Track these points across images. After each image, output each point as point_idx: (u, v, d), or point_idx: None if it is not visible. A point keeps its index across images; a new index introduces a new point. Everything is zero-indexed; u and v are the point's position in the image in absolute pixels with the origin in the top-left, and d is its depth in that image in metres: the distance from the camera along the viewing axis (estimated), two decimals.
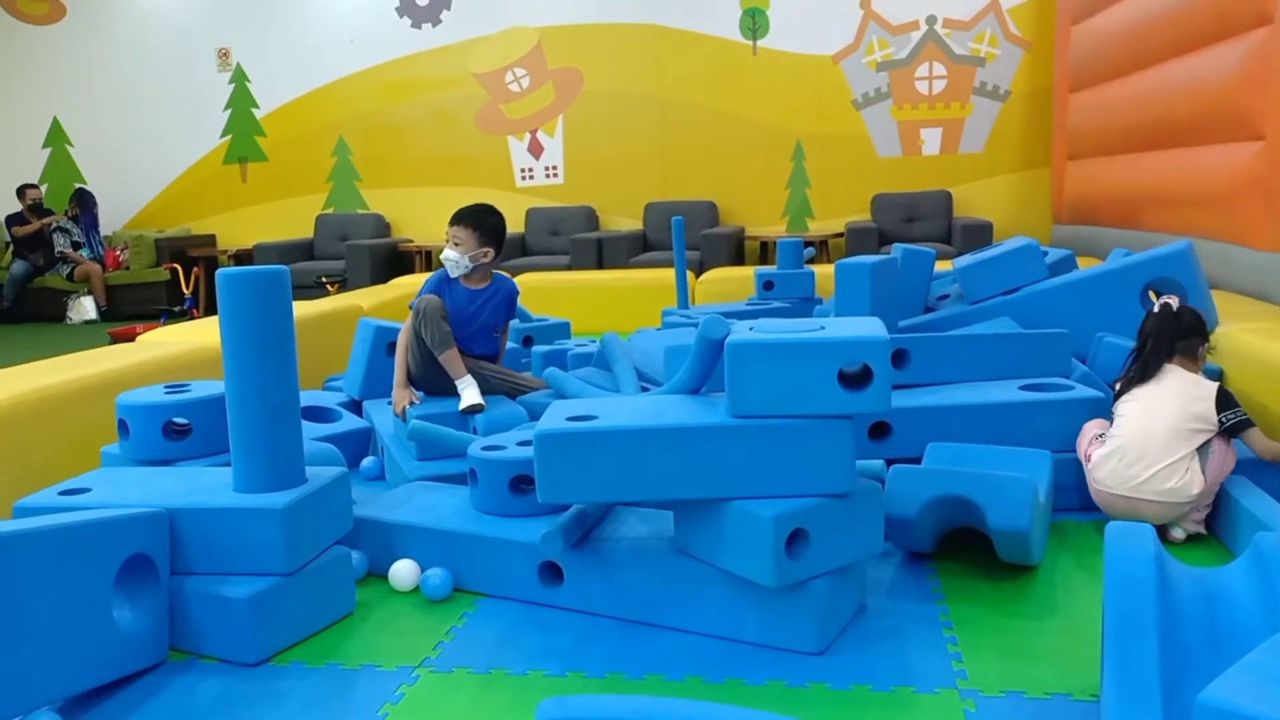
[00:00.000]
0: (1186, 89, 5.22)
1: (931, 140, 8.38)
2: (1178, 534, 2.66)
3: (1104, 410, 2.94)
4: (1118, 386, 2.84)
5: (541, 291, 6.91)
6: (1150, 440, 2.62)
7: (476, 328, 3.68)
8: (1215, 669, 1.33)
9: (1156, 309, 2.85)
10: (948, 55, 8.27)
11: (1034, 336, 3.35)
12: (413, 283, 6.66)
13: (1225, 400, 2.64)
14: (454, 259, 3.67)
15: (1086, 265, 4.44)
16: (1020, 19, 8.13)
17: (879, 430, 3.04)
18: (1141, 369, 2.77)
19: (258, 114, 9.51)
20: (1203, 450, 2.62)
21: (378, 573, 2.63)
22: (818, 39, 8.44)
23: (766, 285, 5.12)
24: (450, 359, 3.44)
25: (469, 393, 3.38)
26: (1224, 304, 3.89)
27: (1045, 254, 4.21)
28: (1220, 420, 2.61)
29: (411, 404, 3.41)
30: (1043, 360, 3.32)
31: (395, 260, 8.77)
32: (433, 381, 3.50)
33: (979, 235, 7.28)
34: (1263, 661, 1.30)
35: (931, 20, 8.27)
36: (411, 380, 3.53)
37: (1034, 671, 2.04)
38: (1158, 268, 3.64)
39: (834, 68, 8.47)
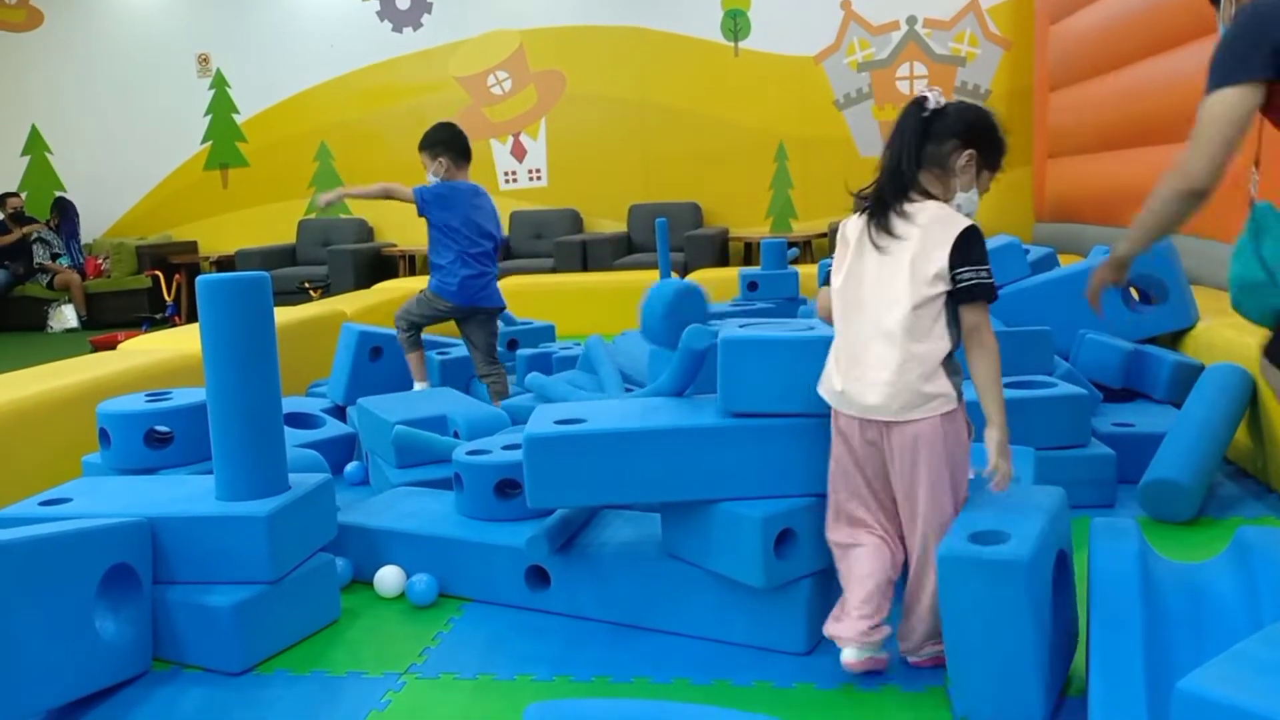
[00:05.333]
0: (1165, 87, 5.26)
1: None
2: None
3: (1088, 407, 2.95)
4: None
5: (526, 294, 6.90)
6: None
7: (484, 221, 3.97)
8: (1199, 663, 1.34)
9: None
10: (928, 55, 8.31)
11: (1017, 334, 3.37)
12: (396, 288, 6.64)
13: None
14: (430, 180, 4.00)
15: (1068, 263, 4.47)
16: (1000, 19, 8.17)
17: None
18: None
19: (238, 120, 9.46)
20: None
21: (363, 579, 2.61)
22: (799, 40, 8.46)
23: (751, 286, 5.13)
24: (415, 360, 3.98)
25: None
26: (1204, 300, 3.92)
27: (1027, 252, 4.24)
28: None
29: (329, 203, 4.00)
30: (1026, 358, 3.33)
31: (378, 265, 8.75)
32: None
33: None
34: (1243, 652, 1.31)
35: (912, 20, 8.30)
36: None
37: None
38: (1138, 265, 3.65)
39: (816, 68, 8.49)
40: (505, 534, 2.47)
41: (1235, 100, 2.14)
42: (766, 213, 8.75)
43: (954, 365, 1.93)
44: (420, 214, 3.93)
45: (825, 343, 2.06)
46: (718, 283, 6.59)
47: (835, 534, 2.06)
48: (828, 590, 2.21)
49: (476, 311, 3.96)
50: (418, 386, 3.99)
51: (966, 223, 1.92)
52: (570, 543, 2.40)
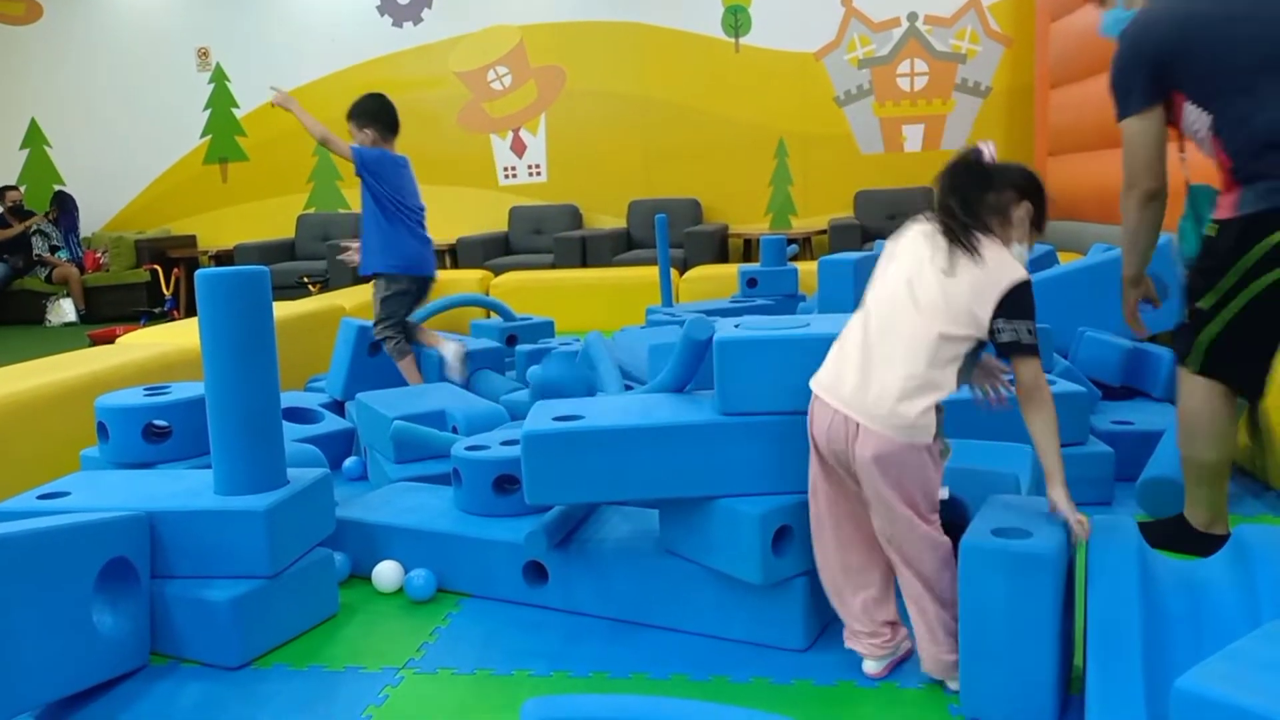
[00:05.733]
0: None
1: (914, 137, 8.40)
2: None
3: (1086, 405, 2.95)
4: None
5: (525, 290, 6.90)
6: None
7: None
8: (1197, 662, 1.34)
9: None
10: (929, 52, 8.30)
11: None
12: None
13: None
14: None
15: (1067, 260, 4.46)
16: (1000, 16, 8.16)
17: None
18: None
19: (238, 114, 9.45)
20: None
21: (361, 574, 2.62)
22: (800, 36, 8.45)
23: (750, 283, 5.13)
24: (409, 365, 3.99)
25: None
26: None
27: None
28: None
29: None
30: None
31: None
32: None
33: None
34: (1241, 650, 1.31)
35: (913, 17, 8.29)
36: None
37: None
38: None
39: (816, 65, 8.48)
40: (503, 529, 2.47)
41: (1141, 127, 2.44)
42: (766, 209, 8.74)
43: (942, 411, 1.88)
44: (357, 173, 4.02)
45: (821, 341, 2.06)
46: (717, 279, 6.60)
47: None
48: None
49: (428, 281, 4.11)
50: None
51: (1023, 274, 1.88)
52: (568, 538, 2.40)
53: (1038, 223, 2.01)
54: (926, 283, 1.89)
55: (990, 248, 1.89)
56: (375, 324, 4.00)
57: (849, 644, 2.04)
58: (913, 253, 1.95)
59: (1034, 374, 1.87)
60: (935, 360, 1.84)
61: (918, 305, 1.88)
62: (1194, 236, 2.61)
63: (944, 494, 1.94)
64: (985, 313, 1.84)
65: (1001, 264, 1.88)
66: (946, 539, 1.89)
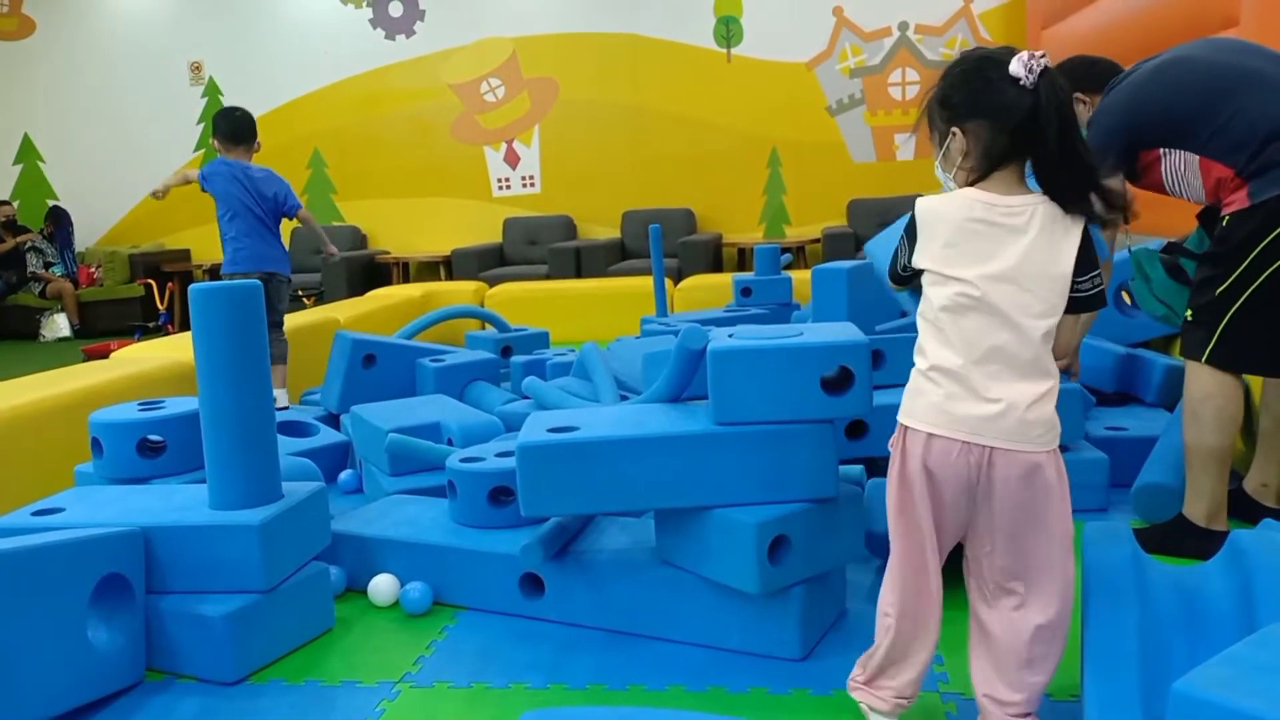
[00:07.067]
0: None
1: (906, 145, 8.43)
2: None
3: (1080, 408, 2.96)
4: None
5: (520, 301, 6.90)
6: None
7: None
8: (1193, 666, 1.34)
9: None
10: (920, 61, 8.33)
11: None
12: (390, 295, 6.64)
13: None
14: None
15: None
16: (991, 24, 8.20)
17: (856, 429, 3.04)
18: None
19: None
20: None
21: (357, 588, 2.61)
22: (791, 46, 8.48)
23: (745, 292, 5.13)
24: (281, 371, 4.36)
25: None
26: None
27: None
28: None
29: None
30: None
31: (372, 272, 8.73)
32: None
33: None
34: (1237, 654, 1.31)
35: (904, 26, 8.33)
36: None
37: None
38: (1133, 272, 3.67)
39: (808, 74, 8.51)
40: (499, 541, 2.47)
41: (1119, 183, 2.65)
42: (760, 218, 8.76)
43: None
44: (203, 190, 4.45)
45: (814, 349, 2.06)
46: (711, 289, 6.60)
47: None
48: (822, 596, 2.21)
49: (271, 277, 4.34)
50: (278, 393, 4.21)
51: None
52: (564, 549, 2.40)
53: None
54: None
55: None
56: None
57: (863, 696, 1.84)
58: None
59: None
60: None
61: None
62: (1148, 297, 2.93)
63: None
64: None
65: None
66: None
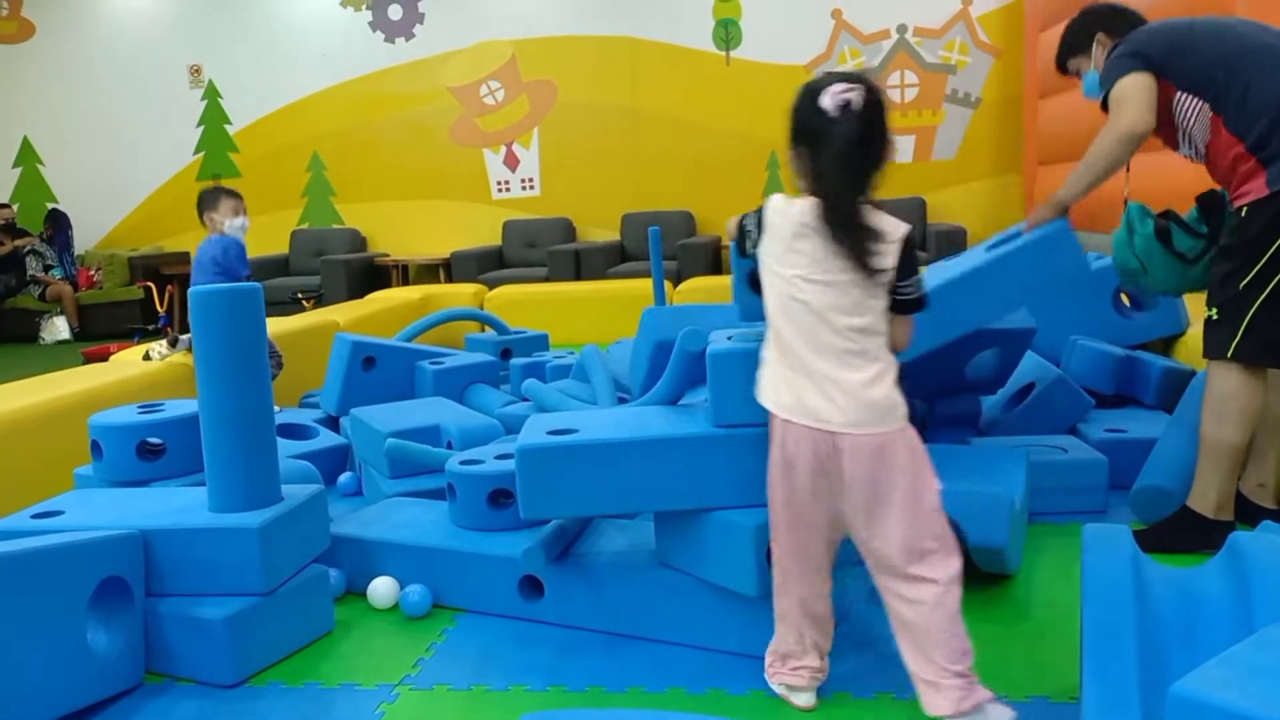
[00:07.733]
0: None
1: (904, 148, 8.43)
2: None
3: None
4: None
5: (519, 304, 6.90)
6: None
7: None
8: (1192, 668, 1.34)
9: None
10: (919, 63, 8.34)
11: (1001, 333, 3.37)
12: (389, 298, 6.64)
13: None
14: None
15: None
16: (990, 27, 8.21)
17: None
18: None
19: (231, 130, 9.46)
20: None
21: (356, 590, 2.61)
22: (790, 49, 8.49)
23: None
24: None
25: None
26: (1195, 306, 3.93)
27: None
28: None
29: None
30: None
31: (371, 275, 8.73)
32: None
33: (953, 241, 7.32)
34: (1236, 656, 1.32)
35: (902, 29, 8.34)
36: None
37: (1013, 675, 2.05)
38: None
39: (807, 77, 8.41)
40: (499, 544, 2.47)
41: (1140, 81, 2.54)
42: None
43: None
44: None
45: None
46: (710, 291, 6.60)
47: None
48: None
49: None
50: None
51: None
52: (564, 552, 2.40)
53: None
54: None
55: None
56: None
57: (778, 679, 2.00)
58: None
59: None
60: None
61: None
62: (1125, 249, 2.83)
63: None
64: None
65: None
66: None
